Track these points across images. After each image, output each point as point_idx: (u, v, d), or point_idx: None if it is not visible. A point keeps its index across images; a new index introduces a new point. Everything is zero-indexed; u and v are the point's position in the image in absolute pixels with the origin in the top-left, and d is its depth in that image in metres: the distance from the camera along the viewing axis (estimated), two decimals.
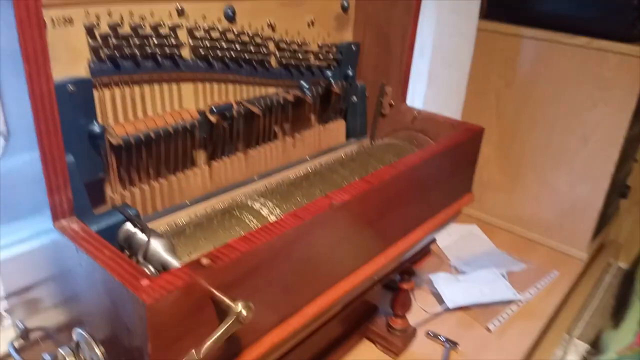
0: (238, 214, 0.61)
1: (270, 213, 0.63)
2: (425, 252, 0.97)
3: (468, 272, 1.25)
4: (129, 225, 0.52)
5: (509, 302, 1.16)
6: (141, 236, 0.50)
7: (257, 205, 0.64)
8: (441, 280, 1.20)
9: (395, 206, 0.70)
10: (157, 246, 0.49)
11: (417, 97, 1.27)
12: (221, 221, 0.59)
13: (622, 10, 1.17)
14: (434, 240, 0.97)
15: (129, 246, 0.51)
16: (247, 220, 0.60)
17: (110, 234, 0.52)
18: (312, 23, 0.84)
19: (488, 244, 1.41)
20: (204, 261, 0.44)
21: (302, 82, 0.79)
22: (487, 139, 1.46)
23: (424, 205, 0.78)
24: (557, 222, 1.39)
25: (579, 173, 1.32)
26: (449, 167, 0.81)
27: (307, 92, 0.79)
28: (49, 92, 0.44)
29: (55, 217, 0.48)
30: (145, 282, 0.40)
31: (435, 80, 1.26)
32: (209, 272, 0.44)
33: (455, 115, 1.36)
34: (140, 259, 0.47)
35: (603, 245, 1.57)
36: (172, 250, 0.50)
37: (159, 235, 0.51)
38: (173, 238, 0.55)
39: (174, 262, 0.48)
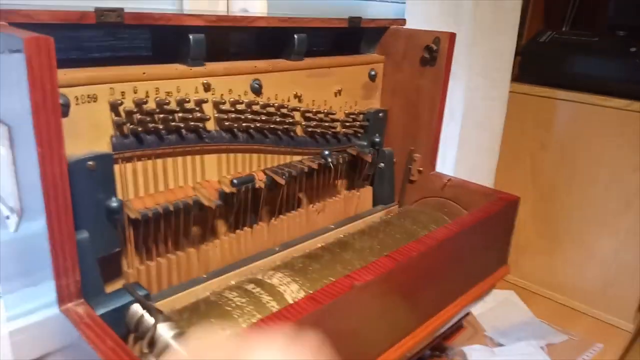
0: (254, 292, 0.59)
1: (289, 289, 0.60)
2: (457, 326, 0.92)
3: (504, 344, 1.17)
4: (137, 307, 0.50)
5: None
6: (149, 319, 0.48)
7: (275, 282, 0.61)
8: (476, 354, 1.12)
9: (424, 283, 0.66)
10: (164, 331, 0.47)
11: (448, 160, 1.24)
12: (236, 302, 0.57)
13: None
14: (467, 314, 0.92)
15: (136, 329, 0.49)
16: (263, 300, 0.58)
17: (119, 315, 0.51)
18: (340, 92, 0.84)
19: (526, 313, 1.34)
20: None
21: (324, 150, 0.78)
22: (523, 201, 1.40)
23: (456, 281, 0.74)
24: (600, 290, 1.31)
25: (623, 239, 1.24)
26: (482, 240, 0.77)
27: (330, 160, 0.77)
28: (62, 176, 0.43)
29: (62, 300, 0.46)
30: None
31: (466, 143, 1.24)
32: None
33: (488, 178, 1.32)
34: (145, 348, 0.44)
35: None
36: (181, 337, 0.47)
37: (167, 318, 0.49)
38: (184, 319, 0.53)
39: (177, 348, 0.45)
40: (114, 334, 0.44)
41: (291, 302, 0.59)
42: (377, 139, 0.89)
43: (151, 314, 0.49)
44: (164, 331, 0.48)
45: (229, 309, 0.56)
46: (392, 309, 0.62)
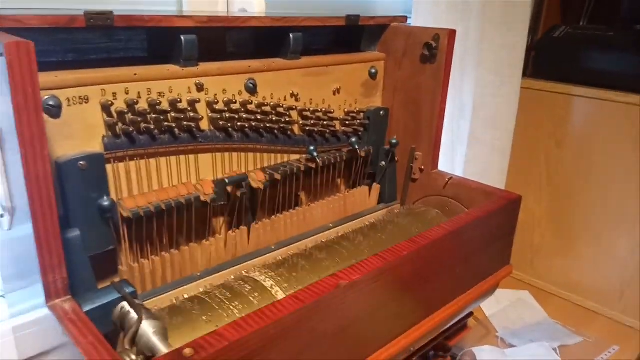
0: (244, 291, 0.59)
1: (279, 290, 0.61)
2: (462, 327, 0.91)
3: (516, 345, 1.16)
4: (124, 304, 0.51)
5: None
6: (134, 316, 0.49)
7: (265, 282, 0.61)
8: (485, 356, 1.11)
9: (417, 283, 0.66)
10: (148, 328, 0.48)
11: (459, 158, 1.23)
12: (223, 299, 0.57)
13: None
14: (470, 315, 0.91)
15: (122, 326, 0.51)
16: (252, 299, 0.58)
17: (106, 312, 0.52)
18: (338, 91, 0.84)
19: (540, 313, 1.31)
20: (187, 352, 0.42)
21: (310, 147, 0.78)
22: (537, 200, 1.39)
23: (453, 281, 0.73)
24: (617, 290, 1.28)
25: None
26: (480, 240, 0.75)
27: (316, 156, 0.78)
28: (45, 176, 0.44)
29: (49, 297, 0.48)
30: None
31: (477, 140, 1.22)
32: None
33: (500, 176, 1.30)
34: (127, 345, 0.45)
35: None
36: (163, 333, 0.48)
37: (151, 315, 0.49)
38: (171, 317, 0.54)
39: (162, 348, 0.46)
40: (95, 330, 0.45)
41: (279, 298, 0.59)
42: (379, 138, 0.89)
43: (136, 311, 0.50)
44: (148, 328, 0.49)
45: (217, 307, 0.56)
46: (382, 308, 0.62)
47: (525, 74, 1.30)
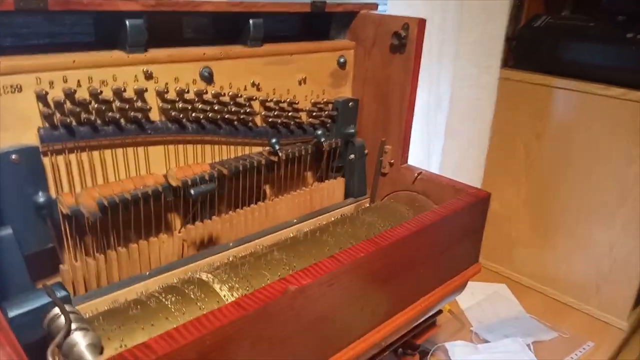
0: (191, 294, 0.56)
1: (229, 293, 0.58)
2: (430, 325, 0.89)
3: (490, 341, 1.14)
4: (55, 310, 0.48)
5: None
6: (61, 323, 0.46)
7: (215, 284, 0.58)
8: (458, 351, 1.09)
9: (376, 286, 0.63)
10: (77, 336, 0.44)
11: (436, 151, 1.20)
12: (166, 303, 0.54)
13: None
14: (439, 312, 0.88)
15: (50, 333, 0.47)
16: (198, 304, 0.55)
17: (35, 318, 0.48)
18: (304, 80, 0.80)
19: (516, 307, 1.30)
20: None
21: (273, 140, 0.74)
22: (515, 192, 1.37)
23: (416, 282, 0.70)
24: (593, 285, 1.27)
25: (618, 233, 1.19)
26: (447, 238, 0.73)
27: (277, 149, 0.74)
28: None
29: None
30: None
31: (454, 132, 1.19)
32: None
33: (478, 169, 1.27)
34: (52, 355, 0.42)
35: None
36: (93, 342, 0.45)
37: (82, 322, 0.46)
38: (108, 321, 0.51)
39: (88, 358, 0.43)
40: (14, 341, 0.41)
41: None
42: (347, 130, 0.85)
43: (65, 318, 0.46)
44: (79, 338, 0.45)
45: (158, 310, 0.53)
46: (339, 311, 0.59)
47: (506, 65, 1.26)
